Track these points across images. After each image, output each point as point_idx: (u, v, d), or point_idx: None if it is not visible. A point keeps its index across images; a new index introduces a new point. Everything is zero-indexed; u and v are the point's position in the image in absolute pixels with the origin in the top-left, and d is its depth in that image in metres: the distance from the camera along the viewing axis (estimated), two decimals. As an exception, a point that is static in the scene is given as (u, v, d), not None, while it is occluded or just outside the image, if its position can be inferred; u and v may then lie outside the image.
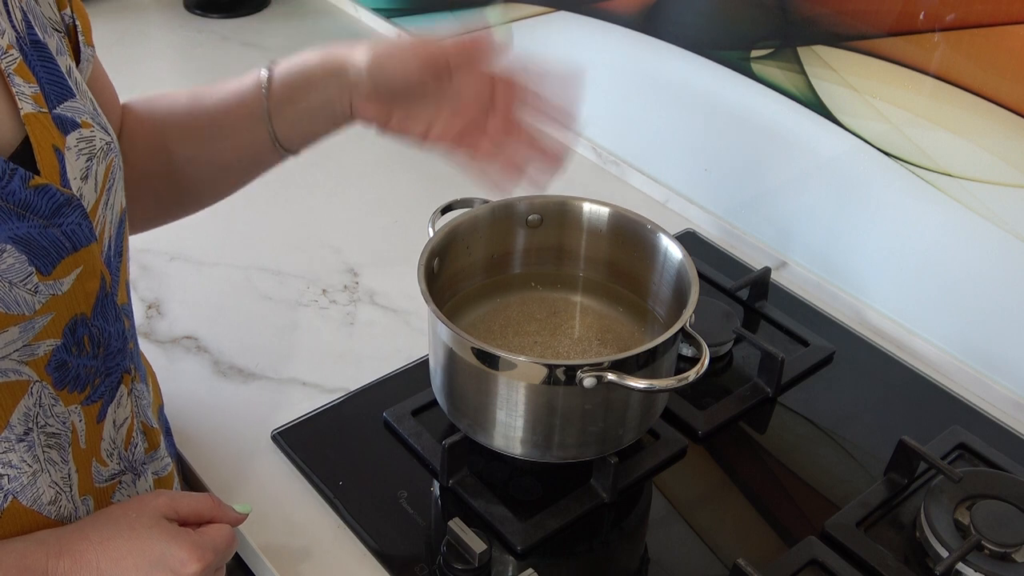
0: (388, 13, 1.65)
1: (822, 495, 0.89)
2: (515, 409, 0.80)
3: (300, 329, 1.05)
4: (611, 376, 0.75)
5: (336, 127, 0.81)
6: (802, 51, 1.05)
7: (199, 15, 1.71)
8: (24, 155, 0.59)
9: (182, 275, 1.12)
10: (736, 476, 0.90)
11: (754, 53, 1.10)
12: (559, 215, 0.94)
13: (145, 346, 1.00)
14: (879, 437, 0.94)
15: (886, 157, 1.02)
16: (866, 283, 1.10)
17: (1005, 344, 0.99)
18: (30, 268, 0.58)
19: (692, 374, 0.76)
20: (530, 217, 0.94)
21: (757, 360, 0.99)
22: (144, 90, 1.50)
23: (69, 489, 0.66)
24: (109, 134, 0.66)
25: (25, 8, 0.63)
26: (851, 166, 1.06)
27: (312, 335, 1.04)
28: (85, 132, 0.63)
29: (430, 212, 0.91)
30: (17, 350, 0.59)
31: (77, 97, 0.64)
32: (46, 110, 0.61)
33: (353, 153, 1.27)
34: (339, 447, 0.90)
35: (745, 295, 1.10)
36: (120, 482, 0.71)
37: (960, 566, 0.79)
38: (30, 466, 0.63)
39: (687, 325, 0.80)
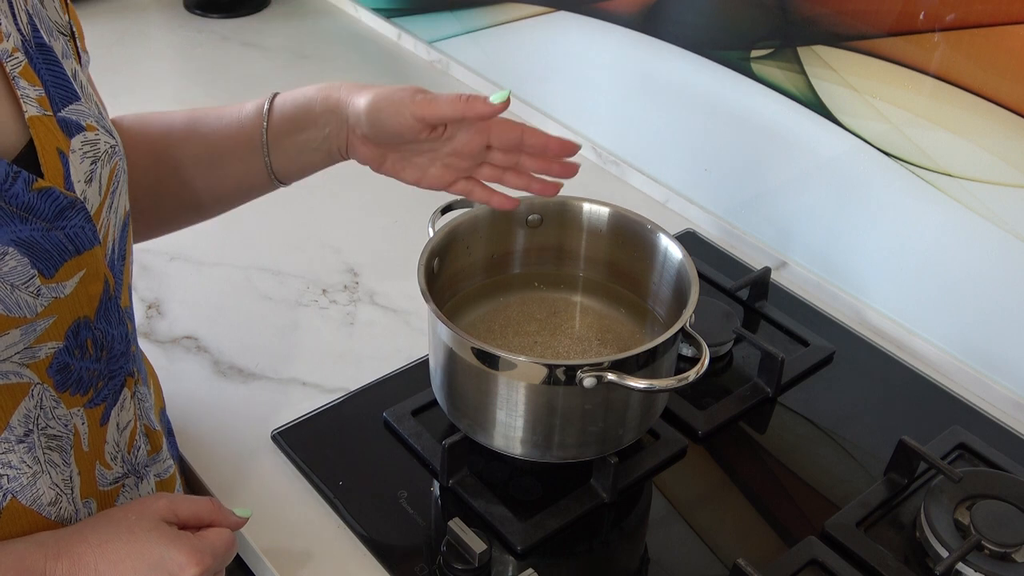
0: (388, 13, 1.65)
1: (822, 495, 0.89)
2: (515, 409, 0.80)
3: (300, 329, 1.05)
4: (611, 376, 0.75)
5: (330, 162, 0.84)
6: (802, 51, 1.05)
7: (199, 15, 1.71)
8: (28, 158, 0.59)
9: (182, 275, 1.12)
10: (736, 476, 0.90)
11: (754, 53, 1.10)
12: (559, 215, 0.94)
13: (145, 346, 1.00)
14: (879, 437, 0.94)
15: (886, 157, 1.02)
16: (866, 283, 1.10)
17: (1005, 344, 0.99)
18: (32, 271, 0.58)
19: (692, 374, 0.76)
20: (530, 217, 0.94)
21: (757, 360, 0.99)
22: (144, 90, 1.50)
23: (70, 491, 0.66)
24: (114, 137, 0.66)
25: (31, 11, 0.63)
26: (851, 166, 1.06)
27: (312, 335, 1.04)
28: (90, 135, 0.63)
29: (430, 212, 0.91)
30: (18, 352, 0.59)
31: (82, 100, 0.64)
32: (51, 113, 0.61)
33: (353, 153, 1.27)
34: (339, 447, 0.90)
35: (745, 295, 1.10)
36: (123, 485, 0.71)
37: (960, 566, 0.79)
38: (30, 467, 0.63)
39: (687, 325, 0.80)
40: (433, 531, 0.83)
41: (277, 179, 0.83)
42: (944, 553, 0.80)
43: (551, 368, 0.77)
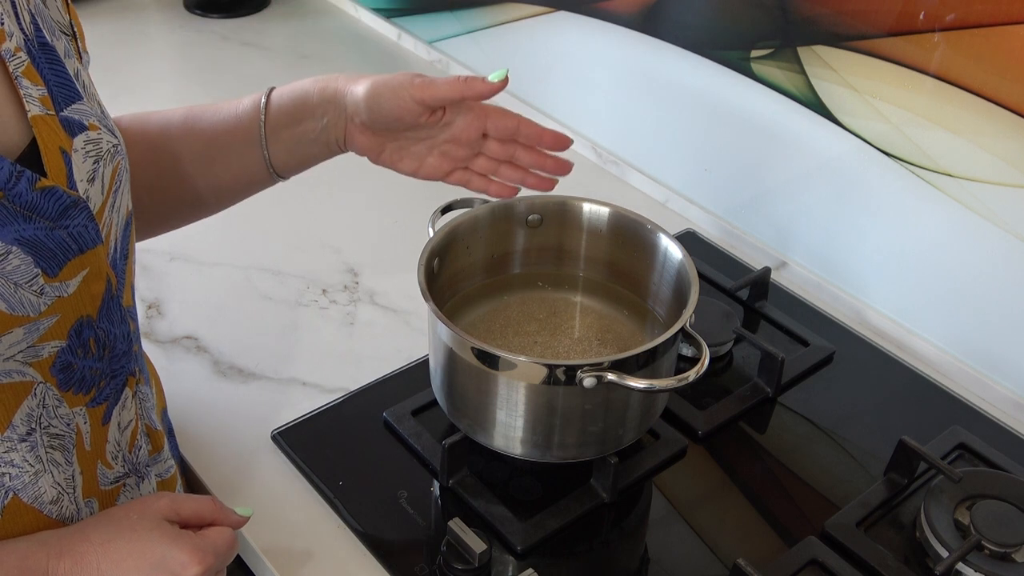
0: (388, 13, 1.65)
1: (822, 495, 0.89)
2: (515, 409, 0.80)
3: (300, 329, 1.05)
4: (611, 376, 0.75)
5: (329, 155, 0.84)
6: (802, 51, 1.05)
7: (199, 15, 1.71)
8: (31, 157, 0.59)
9: (182, 275, 1.12)
10: (736, 476, 0.90)
11: (754, 53, 1.10)
12: (559, 215, 0.94)
13: (145, 346, 0.99)
14: (879, 437, 0.94)
15: (886, 157, 1.02)
16: (866, 283, 1.10)
17: (1005, 344, 0.99)
18: (36, 270, 0.58)
19: (692, 374, 0.76)
20: (530, 217, 0.94)
21: (757, 360, 0.99)
22: (144, 91, 1.50)
23: (72, 491, 0.66)
24: (116, 137, 0.66)
25: (34, 11, 0.63)
26: (851, 166, 1.06)
27: (312, 335, 1.04)
28: (92, 135, 0.63)
29: (430, 212, 0.91)
30: (21, 351, 0.59)
31: (84, 100, 0.64)
32: (53, 112, 0.61)
33: (354, 154, 1.27)
34: (339, 447, 0.90)
35: (745, 295, 1.10)
36: (124, 484, 0.71)
37: (960, 566, 0.79)
38: (32, 466, 0.63)
39: (687, 325, 0.80)
40: (433, 531, 0.83)
41: (276, 173, 0.83)
42: (944, 553, 0.80)
43: (551, 368, 0.77)
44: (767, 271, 1.11)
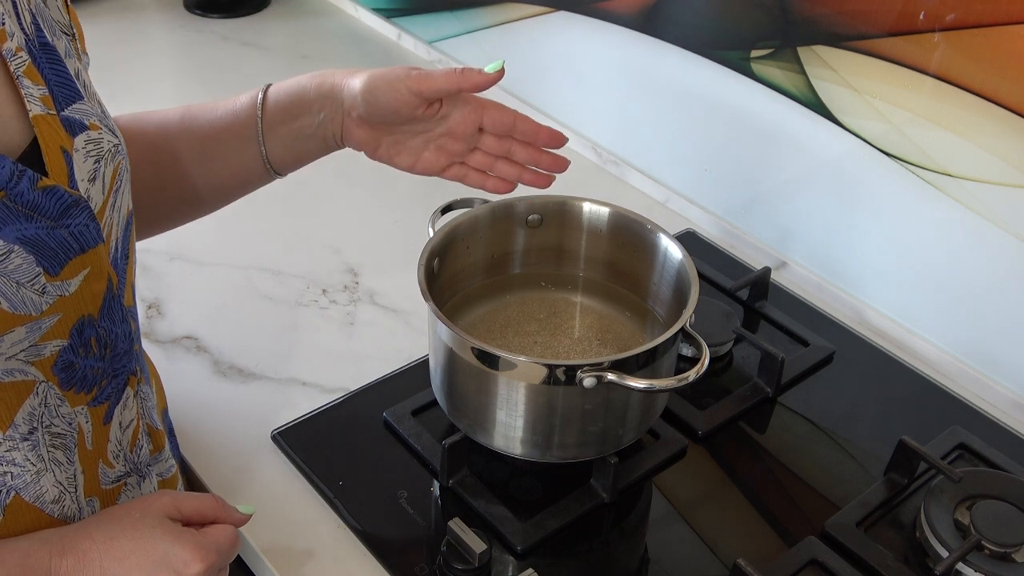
0: (388, 13, 1.65)
1: (822, 495, 0.89)
2: (515, 409, 0.80)
3: (300, 329, 1.05)
4: (611, 376, 0.75)
5: (326, 150, 0.84)
6: (802, 51, 1.05)
7: (199, 15, 1.71)
8: (32, 156, 0.59)
9: (182, 275, 1.12)
10: (736, 476, 0.91)
11: (754, 53, 1.10)
12: (559, 215, 0.94)
13: (145, 346, 0.99)
14: (879, 437, 0.94)
15: (886, 157, 1.02)
16: (866, 283, 1.10)
17: (1005, 344, 0.99)
18: (38, 269, 0.58)
19: (692, 374, 0.76)
20: (530, 217, 0.94)
21: (757, 360, 0.99)
22: (144, 91, 1.50)
23: (74, 490, 0.66)
24: (117, 136, 0.66)
25: (34, 11, 0.63)
26: (851, 166, 1.06)
27: (312, 335, 1.04)
28: (93, 134, 0.63)
29: (430, 212, 0.91)
30: (23, 350, 0.60)
31: (85, 99, 0.64)
32: (54, 112, 0.61)
33: (353, 153, 1.27)
34: (339, 447, 0.90)
35: (745, 295, 1.10)
36: (125, 484, 0.71)
37: (960, 566, 0.79)
38: (34, 465, 0.63)
39: (687, 325, 0.80)
40: (433, 531, 0.83)
41: (273, 169, 0.83)
42: (944, 553, 0.80)
43: (551, 368, 0.77)
44: (767, 271, 1.11)
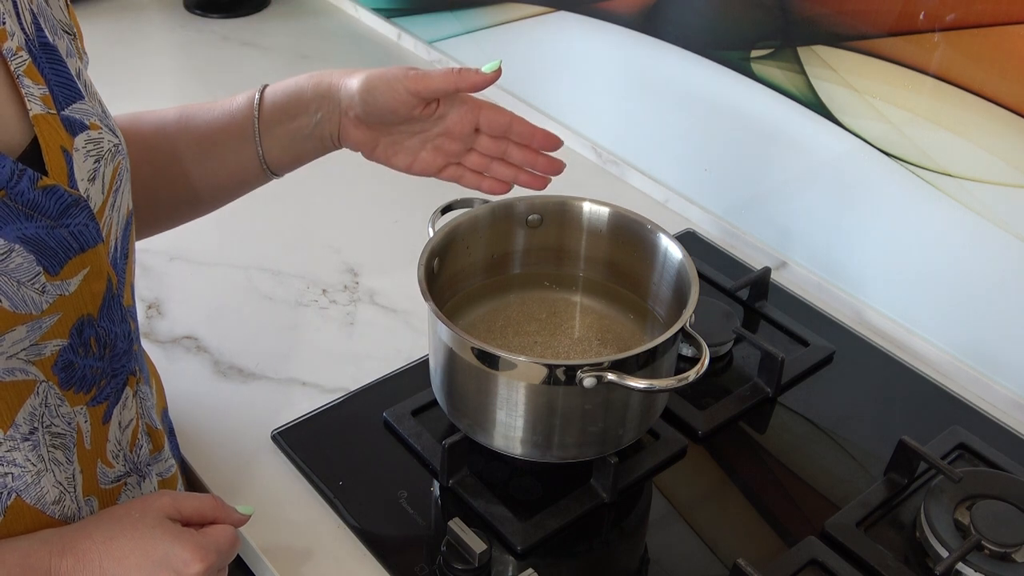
0: (388, 13, 1.65)
1: (822, 495, 0.89)
2: (515, 409, 0.80)
3: (300, 329, 1.05)
4: (611, 376, 0.75)
5: (323, 151, 0.84)
6: (802, 51, 1.05)
7: (199, 15, 1.71)
8: (33, 156, 0.59)
9: (182, 275, 1.12)
10: (736, 476, 0.91)
11: (754, 53, 1.10)
12: (559, 215, 0.94)
13: (145, 346, 0.99)
14: (879, 437, 0.94)
15: (886, 157, 1.02)
16: (866, 283, 1.10)
17: (1005, 344, 0.99)
18: (38, 268, 0.58)
19: (692, 374, 0.76)
20: (530, 217, 0.94)
21: (757, 360, 0.99)
22: (144, 91, 1.50)
23: (73, 489, 0.66)
24: (117, 136, 0.66)
25: (35, 10, 0.63)
26: (851, 166, 1.06)
27: (312, 335, 1.04)
28: (93, 134, 0.63)
29: (430, 212, 0.91)
30: (24, 349, 0.60)
31: (86, 99, 0.64)
32: (55, 111, 0.61)
33: (353, 153, 1.27)
34: (339, 447, 0.90)
35: (745, 295, 1.10)
36: (125, 483, 0.71)
37: (960, 566, 0.79)
38: (34, 465, 0.63)
39: (687, 325, 0.80)
40: (433, 531, 0.83)
41: (270, 170, 0.83)
42: (944, 553, 0.80)
43: (551, 368, 0.77)
44: (767, 271, 1.11)
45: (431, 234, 0.87)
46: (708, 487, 0.90)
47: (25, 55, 0.60)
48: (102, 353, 0.65)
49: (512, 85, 1.42)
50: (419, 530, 0.83)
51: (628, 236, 0.92)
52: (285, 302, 1.09)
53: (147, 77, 1.52)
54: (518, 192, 0.87)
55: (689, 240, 1.21)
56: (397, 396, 0.94)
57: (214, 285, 1.11)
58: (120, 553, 0.64)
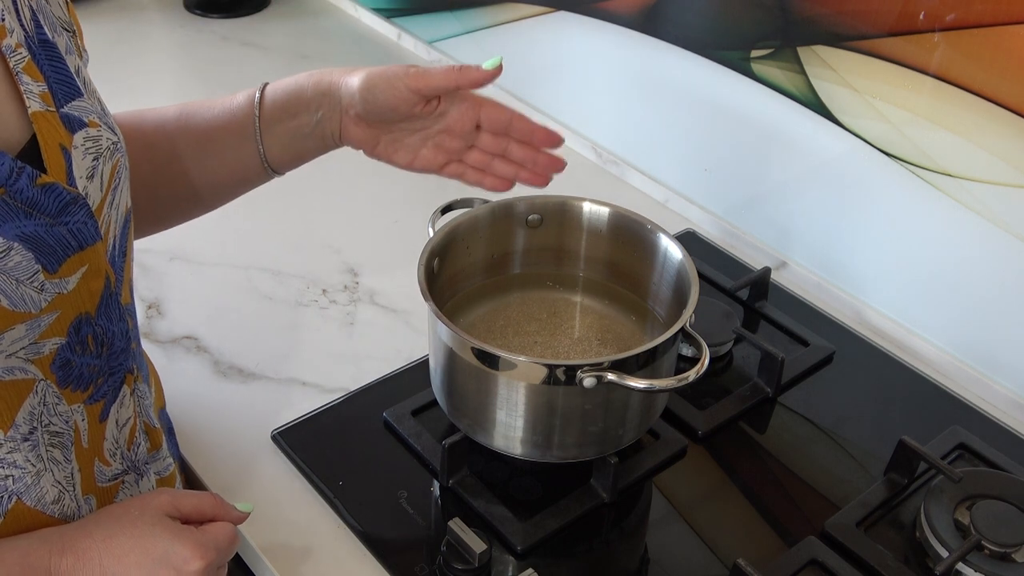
0: (388, 13, 1.65)
1: (822, 495, 0.89)
2: (515, 409, 0.80)
3: (300, 329, 1.05)
4: (611, 376, 0.75)
5: (324, 149, 0.84)
6: (802, 51, 1.05)
7: (199, 15, 1.71)
8: (31, 153, 0.59)
9: (182, 275, 1.12)
10: (736, 476, 0.90)
11: (754, 53, 1.10)
12: (559, 215, 0.94)
13: (145, 346, 0.99)
14: (879, 437, 0.94)
15: (886, 157, 1.02)
16: (866, 283, 1.10)
17: (1005, 344, 0.99)
18: (36, 266, 0.58)
19: (692, 374, 0.76)
20: (530, 217, 0.94)
21: (757, 360, 0.99)
22: (144, 91, 1.50)
23: (72, 488, 0.66)
24: (116, 134, 0.66)
25: (35, 7, 0.63)
26: (851, 166, 1.06)
27: (312, 335, 1.04)
28: (92, 131, 0.63)
29: (430, 212, 0.91)
30: (23, 348, 0.60)
31: (85, 96, 0.64)
32: (53, 109, 0.61)
33: (353, 153, 1.27)
34: (339, 447, 0.90)
35: (745, 295, 1.10)
36: (123, 482, 0.71)
37: (960, 566, 0.79)
38: (34, 466, 0.63)
39: (687, 325, 0.80)
40: (433, 531, 0.83)
41: (271, 168, 0.83)
42: (944, 553, 0.80)
43: (551, 368, 0.77)
44: (767, 271, 1.11)
45: (431, 234, 0.87)
46: (708, 487, 0.90)
47: (24, 52, 0.60)
48: (99, 351, 0.65)
49: (512, 85, 1.42)
50: (419, 530, 0.83)
51: (628, 236, 0.92)
52: (285, 302, 1.09)
53: (147, 77, 1.52)
54: (518, 192, 0.87)
55: (689, 240, 1.21)
56: (397, 396, 0.94)
57: (214, 285, 1.11)
58: (120, 551, 0.64)
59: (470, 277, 0.94)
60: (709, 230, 1.23)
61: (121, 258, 0.68)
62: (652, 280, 0.92)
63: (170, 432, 0.84)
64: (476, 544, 0.76)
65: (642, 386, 0.76)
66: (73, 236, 0.60)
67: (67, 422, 0.65)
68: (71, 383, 0.64)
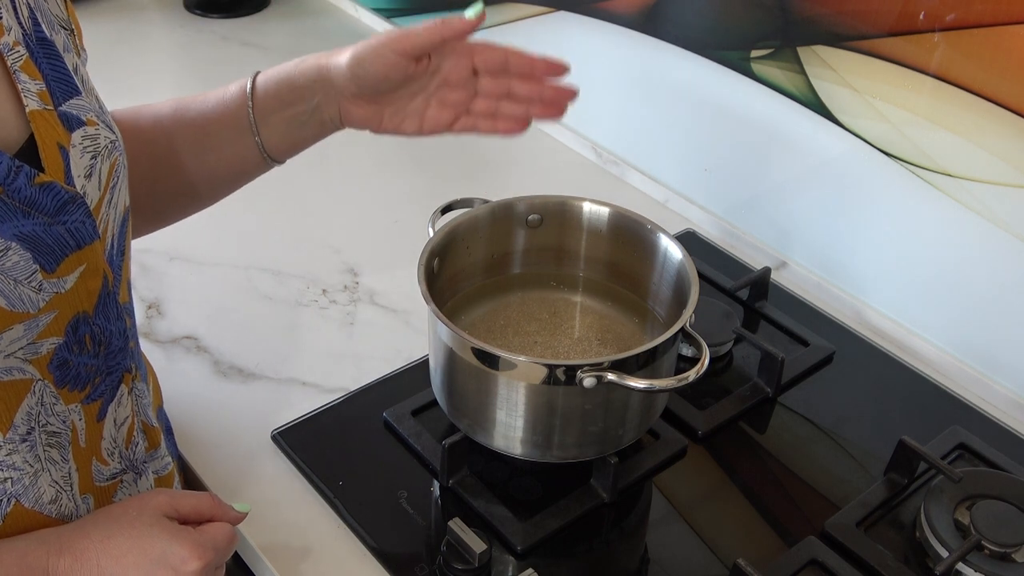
0: (388, 13, 1.65)
1: (822, 495, 0.89)
2: (515, 409, 0.80)
3: (300, 329, 1.05)
4: (611, 376, 0.75)
5: (324, 134, 0.83)
6: (802, 51, 1.05)
7: (199, 15, 1.71)
8: (29, 152, 0.59)
9: (182, 275, 1.12)
10: (736, 476, 0.90)
11: (754, 53, 1.10)
12: (559, 215, 0.94)
13: (145, 346, 1.00)
14: (879, 437, 0.94)
15: (886, 157, 1.02)
16: (866, 283, 1.10)
17: (1005, 344, 0.99)
18: (34, 265, 0.58)
19: (692, 374, 0.76)
20: (530, 217, 0.94)
21: (757, 360, 0.99)
22: (143, 90, 1.50)
23: (70, 488, 0.66)
24: (114, 132, 0.66)
25: (32, 5, 0.63)
26: (851, 166, 1.06)
27: (312, 335, 1.04)
28: (90, 130, 0.63)
29: (430, 212, 0.91)
30: (21, 348, 0.59)
31: (83, 95, 0.64)
32: (51, 107, 0.61)
33: (353, 153, 1.27)
34: (339, 447, 0.90)
35: (745, 295, 1.10)
36: (121, 481, 0.71)
37: (960, 566, 0.79)
38: (32, 466, 0.63)
39: (687, 325, 0.80)
40: (433, 531, 0.83)
41: (270, 157, 0.82)
42: (944, 553, 0.80)
43: (551, 368, 0.77)
44: (767, 271, 1.11)
45: (431, 234, 0.87)
46: (708, 487, 0.90)
47: (22, 50, 0.60)
48: (97, 351, 0.65)
49: (512, 85, 1.42)
50: (419, 530, 0.83)
51: (628, 236, 0.92)
52: (285, 302, 1.09)
53: (147, 77, 1.52)
54: (518, 191, 0.87)
55: (689, 240, 1.21)
56: (397, 396, 0.94)
57: (214, 285, 1.11)
58: (118, 551, 0.64)
59: (470, 277, 0.94)
60: (709, 230, 1.23)
61: (119, 257, 0.68)
62: (652, 280, 0.92)
63: (168, 431, 0.84)
64: (476, 544, 0.76)
65: (642, 386, 0.76)
66: (71, 235, 0.60)
67: (64, 422, 0.64)
68: (68, 382, 0.64)
